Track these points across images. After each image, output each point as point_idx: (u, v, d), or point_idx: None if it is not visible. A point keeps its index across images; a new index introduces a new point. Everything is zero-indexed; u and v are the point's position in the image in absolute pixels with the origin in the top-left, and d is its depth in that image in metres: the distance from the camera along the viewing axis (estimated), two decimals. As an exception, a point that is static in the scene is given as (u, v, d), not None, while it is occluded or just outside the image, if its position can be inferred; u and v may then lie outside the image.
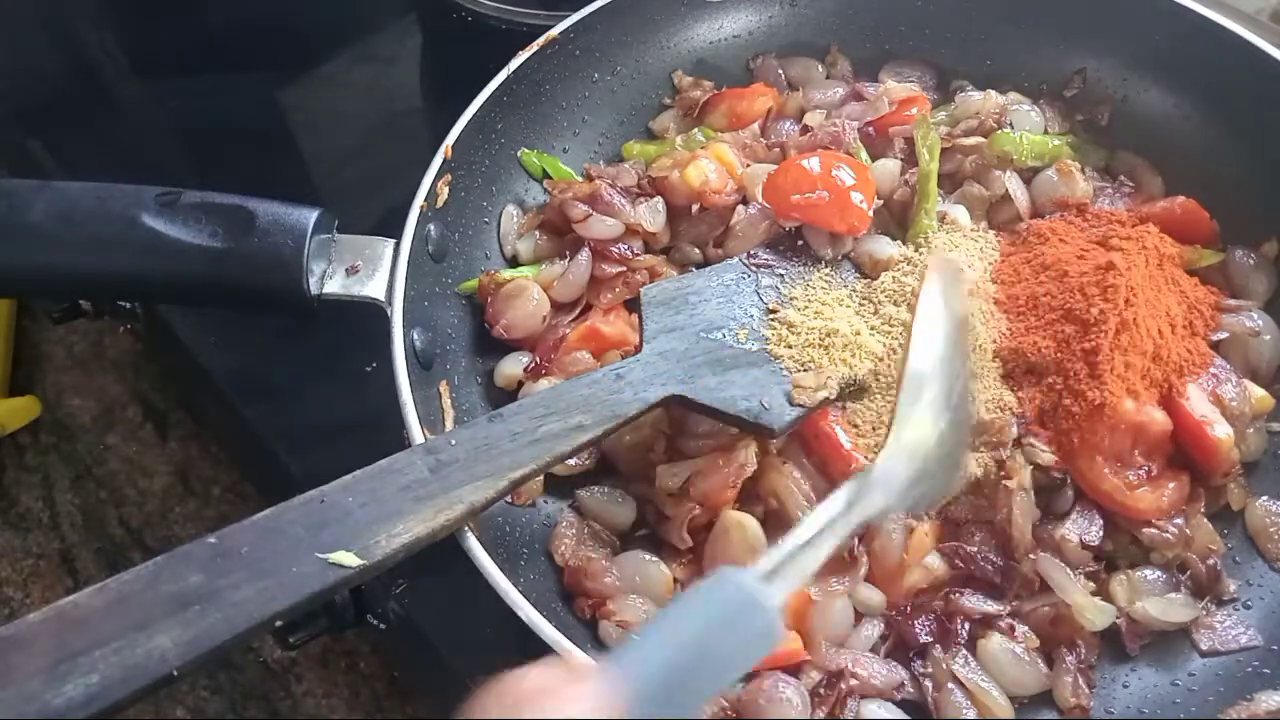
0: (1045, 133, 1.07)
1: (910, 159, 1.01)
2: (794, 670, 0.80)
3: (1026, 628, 0.83)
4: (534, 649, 0.72)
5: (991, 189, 1.01)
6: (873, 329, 0.91)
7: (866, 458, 0.86)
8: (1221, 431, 0.88)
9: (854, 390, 0.89)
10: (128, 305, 1.28)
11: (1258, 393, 0.91)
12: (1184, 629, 0.84)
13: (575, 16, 1.07)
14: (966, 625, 0.83)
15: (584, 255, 0.98)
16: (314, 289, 0.87)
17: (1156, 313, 0.90)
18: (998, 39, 1.13)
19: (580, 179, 1.05)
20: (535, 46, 1.04)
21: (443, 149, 0.96)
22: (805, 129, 1.07)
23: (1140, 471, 0.87)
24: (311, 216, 0.87)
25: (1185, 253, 0.97)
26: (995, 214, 1.02)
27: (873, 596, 0.84)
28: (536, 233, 1.03)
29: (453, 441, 0.75)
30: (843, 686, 0.79)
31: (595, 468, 0.92)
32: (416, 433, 0.80)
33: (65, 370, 1.51)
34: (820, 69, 1.16)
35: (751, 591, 0.59)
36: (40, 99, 1.38)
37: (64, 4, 1.50)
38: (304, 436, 1.06)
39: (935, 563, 0.84)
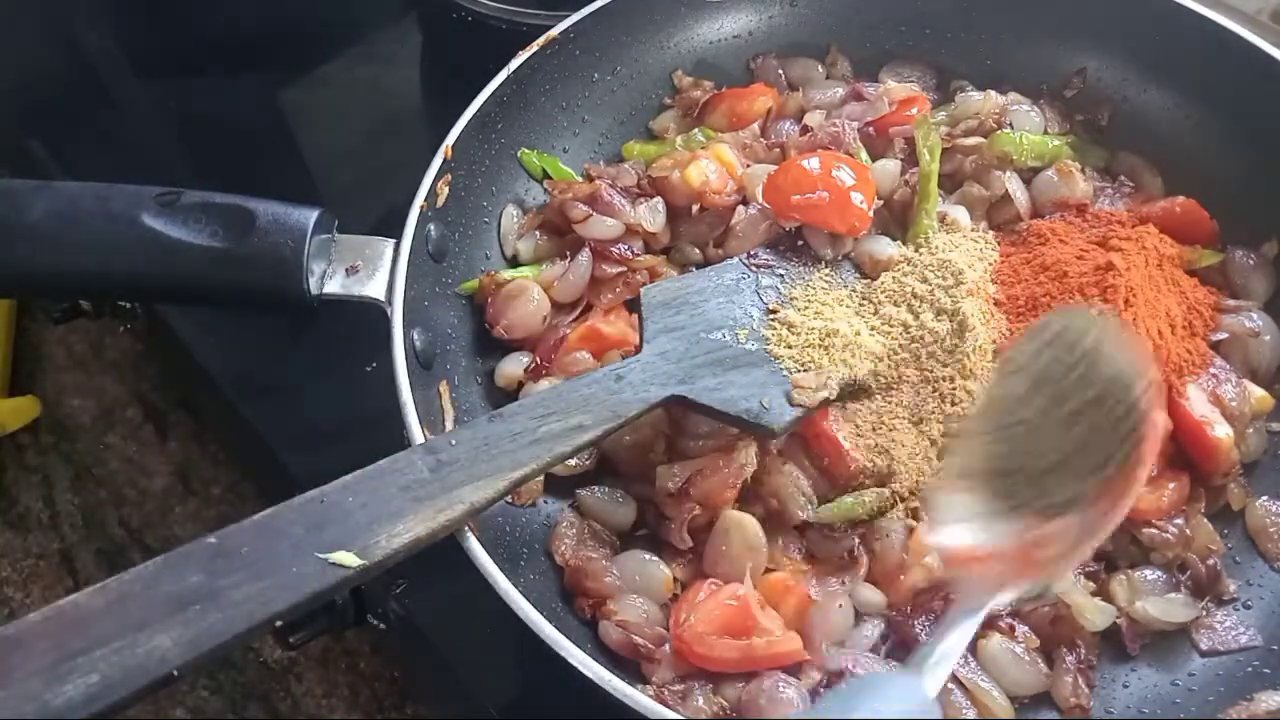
0: (1045, 133, 1.07)
1: (910, 159, 1.01)
2: (794, 670, 0.80)
3: (1026, 628, 0.83)
4: (534, 649, 0.72)
5: (991, 189, 1.01)
6: (873, 329, 0.91)
7: (865, 459, 0.86)
8: (1221, 431, 0.88)
9: (854, 390, 0.89)
10: (128, 305, 1.28)
11: (1257, 393, 0.91)
12: (1184, 629, 0.84)
13: (575, 16, 1.07)
14: (966, 625, 0.83)
15: (584, 255, 0.98)
16: (314, 289, 0.87)
17: (1156, 313, 0.90)
18: (998, 39, 1.13)
19: (580, 179, 1.05)
20: (535, 46, 1.04)
21: (443, 149, 0.96)
22: (805, 129, 1.06)
23: (1140, 472, 0.87)
24: (311, 216, 0.87)
25: (1185, 253, 0.97)
26: (995, 214, 1.02)
27: (873, 596, 0.84)
28: (537, 233, 1.03)
29: (453, 441, 0.75)
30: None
31: (595, 468, 0.92)
32: (416, 433, 0.80)
33: (65, 370, 1.51)
34: (820, 69, 1.16)
35: (924, 695, 0.62)
36: (40, 99, 1.38)
37: (64, 4, 1.50)
38: (304, 436, 1.06)
39: (935, 563, 0.84)
